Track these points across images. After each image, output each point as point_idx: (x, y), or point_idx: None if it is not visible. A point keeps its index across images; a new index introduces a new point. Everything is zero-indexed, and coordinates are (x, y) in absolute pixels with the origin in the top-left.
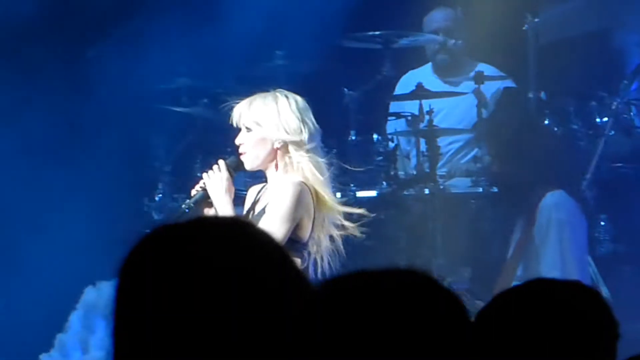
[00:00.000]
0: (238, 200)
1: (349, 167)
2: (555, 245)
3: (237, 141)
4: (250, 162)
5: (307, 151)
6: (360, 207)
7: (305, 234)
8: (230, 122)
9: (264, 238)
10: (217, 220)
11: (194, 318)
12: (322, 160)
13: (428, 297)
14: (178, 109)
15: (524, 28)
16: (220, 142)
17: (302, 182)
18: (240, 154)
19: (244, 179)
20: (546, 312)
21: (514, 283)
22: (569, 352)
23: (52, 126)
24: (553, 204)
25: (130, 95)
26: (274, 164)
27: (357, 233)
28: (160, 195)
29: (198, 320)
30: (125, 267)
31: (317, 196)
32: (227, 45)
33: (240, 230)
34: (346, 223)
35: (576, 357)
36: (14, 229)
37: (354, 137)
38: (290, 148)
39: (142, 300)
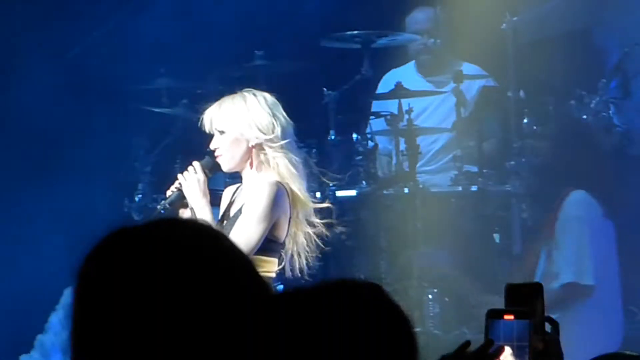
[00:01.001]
0: (217, 200)
1: (328, 169)
2: (572, 242)
3: (212, 146)
4: (226, 163)
5: (282, 147)
6: (340, 207)
7: (282, 233)
8: (203, 129)
9: (226, 243)
10: (177, 223)
11: (148, 321)
12: (297, 155)
13: (374, 312)
14: (158, 110)
15: (502, 27)
16: (200, 142)
17: (278, 181)
18: (217, 157)
19: (224, 179)
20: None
21: (537, 279)
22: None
23: (31, 126)
24: (575, 202)
25: (110, 96)
26: (249, 163)
27: (325, 231)
28: (140, 195)
29: (153, 323)
30: (82, 269)
31: (292, 194)
32: (207, 46)
33: (200, 234)
34: (317, 220)
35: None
36: None
37: (333, 137)
38: (264, 145)
39: (98, 304)
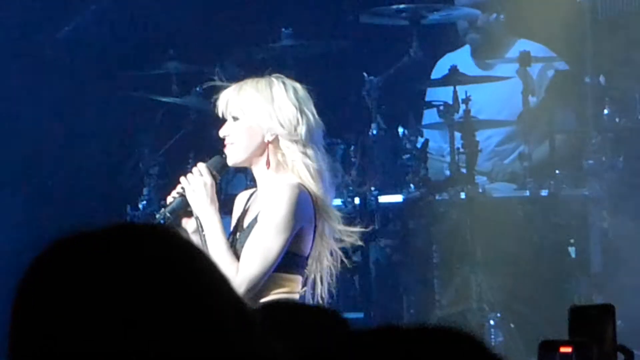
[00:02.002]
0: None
1: (369, 169)
2: None
3: (222, 132)
4: (234, 154)
5: (304, 147)
6: (384, 215)
7: (306, 246)
8: (217, 112)
9: (202, 262)
10: (140, 231)
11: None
12: (322, 161)
13: None
14: (166, 99)
15: (578, 0)
16: (216, 138)
17: (300, 184)
18: (225, 146)
19: (246, 182)
20: None
21: None
22: None
23: (15, 116)
24: None
25: (109, 83)
26: (264, 161)
27: (356, 242)
28: (145, 202)
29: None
30: (22, 278)
31: (317, 200)
32: (225, 24)
33: (167, 247)
34: (349, 231)
35: None
36: None
37: (375, 132)
38: (283, 143)
39: (29, 319)
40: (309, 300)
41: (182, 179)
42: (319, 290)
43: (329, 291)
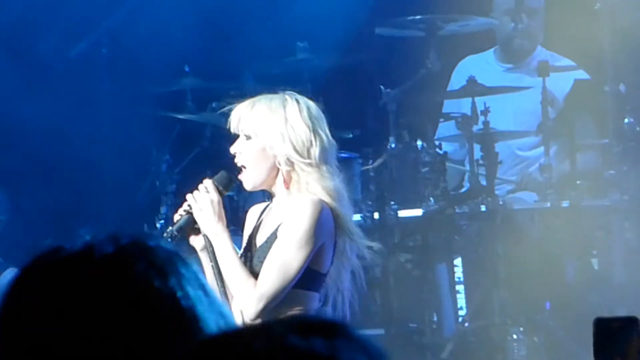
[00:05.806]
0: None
1: (388, 183)
2: None
3: (233, 149)
4: (250, 179)
5: (318, 168)
6: (403, 229)
7: (326, 263)
8: (229, 128)
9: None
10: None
11: None
12: (337, 181)
13: None
14: (182, 116)
15: (595, 7)
16: (233, 154)
17: (322, 200)
18: (237, 166)
19: (263, 198)
20: None
21: None
22: None
23: (28, 137)
24: None
25: (125, 100)
26: (280, 181)
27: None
28: (163, 221)
29: None
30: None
31: (337, 218)
32: (241, 38)
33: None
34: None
35: None
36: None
37: (393, 145)
38: (297, 165)
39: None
40: (329, 311)
41: (188, 196)
42: (339, 301)
43: (349, 308)
